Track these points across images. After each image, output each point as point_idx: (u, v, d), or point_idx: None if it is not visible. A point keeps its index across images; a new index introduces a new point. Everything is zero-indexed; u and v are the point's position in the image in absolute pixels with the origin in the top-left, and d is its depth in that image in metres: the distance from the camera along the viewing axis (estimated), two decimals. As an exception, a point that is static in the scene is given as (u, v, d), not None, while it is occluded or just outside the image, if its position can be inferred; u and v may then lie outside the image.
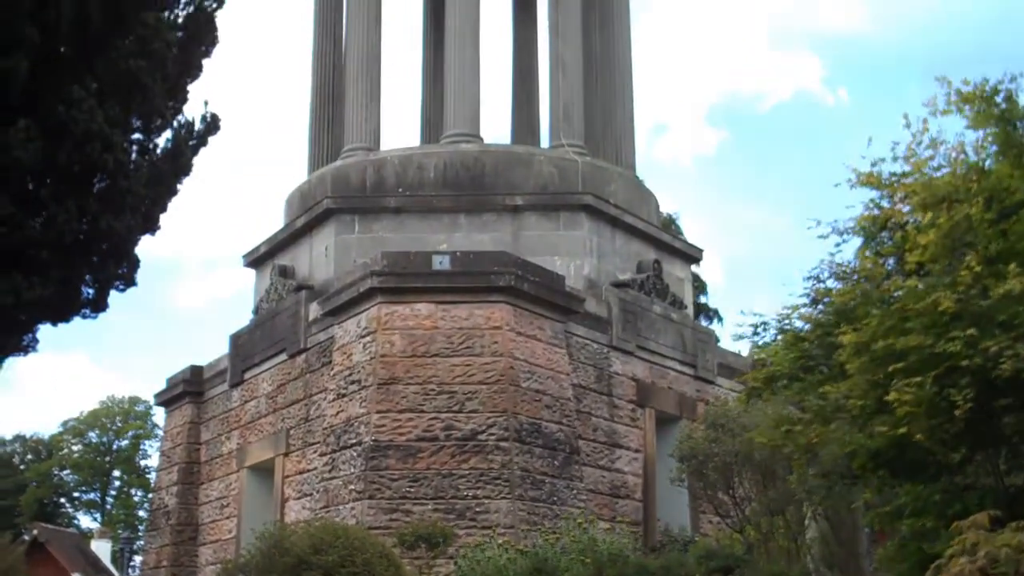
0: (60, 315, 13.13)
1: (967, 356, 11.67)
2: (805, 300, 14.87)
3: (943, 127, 13.58)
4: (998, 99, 12.52)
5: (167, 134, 14.22)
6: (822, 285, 14.61)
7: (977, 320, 11.90)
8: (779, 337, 15.50)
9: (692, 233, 37.47)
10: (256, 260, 25.33)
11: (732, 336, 16.89)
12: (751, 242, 76.31)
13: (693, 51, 74.85)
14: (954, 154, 13.57)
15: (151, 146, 13.81)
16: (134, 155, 13.42)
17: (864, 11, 74.38)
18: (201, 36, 14.57)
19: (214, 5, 14.39)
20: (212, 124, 14.21)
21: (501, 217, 22.58)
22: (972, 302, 11.90)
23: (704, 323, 34.14)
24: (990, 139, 12.99)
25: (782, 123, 78.04)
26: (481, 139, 23.91)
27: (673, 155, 74.88)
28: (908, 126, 13.06)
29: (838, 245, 14.62)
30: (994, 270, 11.92)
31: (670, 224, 33.94)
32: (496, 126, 41.17)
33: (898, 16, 73.84)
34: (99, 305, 13.26)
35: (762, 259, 74.69)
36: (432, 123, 28.21)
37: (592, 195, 22.87)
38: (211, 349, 79.30)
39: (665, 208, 31.34)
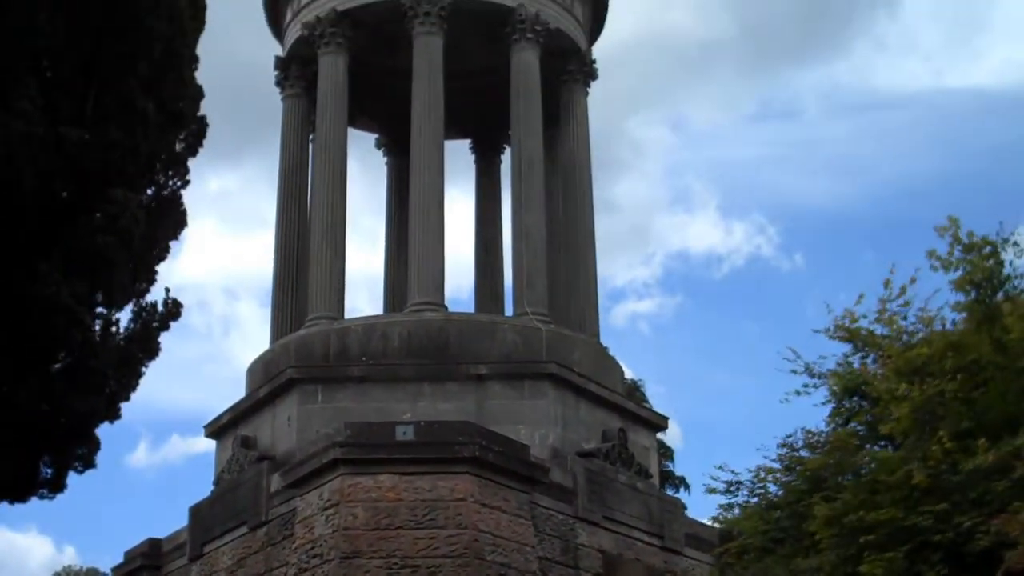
0: (17, 495, 12.89)
1: (939, 531, 11.66)
2: (778, 465, 14.94)
3: (917, 289, 13.88)
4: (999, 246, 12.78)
5: (129, 312, 14.18)
6: (795, 454, 14.68)
7: (948, 495, 11.93)
8: (750, 501, 15.49)
9: (653, 398, 37.42)
10: (217, 430, 25.05)
11: (704, 489, 16.85)
12: (711, 407, 76.17)
13: (646, 217, 75.65)
14: (923, 318, 13.81)
15: (114, 324, 13.75)
16: (98, 333, 13.33)
17: (816, 179, 75.75)
18: (168, 216, 14.64)
19: (179, 183, 14.50)
20: (173, 309, 14.20)
21: (465, 386, 22.51)
22: (943, 477, 11.94)
23: (671, 491, 33.91)
24: (962, 308, 13.23)
25: (738, 289, 78.59)
26: (445, 307, 23.98)
27: (631, 321, 75.12)
28: (886, 287, 13.33)
29: (805, 386, 14.77)
30: (964, 445, 11.99)
31: (635, 391, 33.94)
32: (459, 288, 41.27)
33: (852, 183, 75.21)
34: (57, 485, 13.03)
35: (723, 423, 74.47)
36: (396, 291, 28.29)
37: (556, 364, 22.87)
38: (164, 517, 77.69)
39: (630, 374, 31.39)
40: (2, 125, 11.98)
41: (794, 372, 15.05)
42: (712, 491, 16.34)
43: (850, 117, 73.56)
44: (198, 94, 15.01)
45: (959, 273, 13.43)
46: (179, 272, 57.89)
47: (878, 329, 14.28)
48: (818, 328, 14.64)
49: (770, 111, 76.87)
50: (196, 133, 15.26)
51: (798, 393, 15.14)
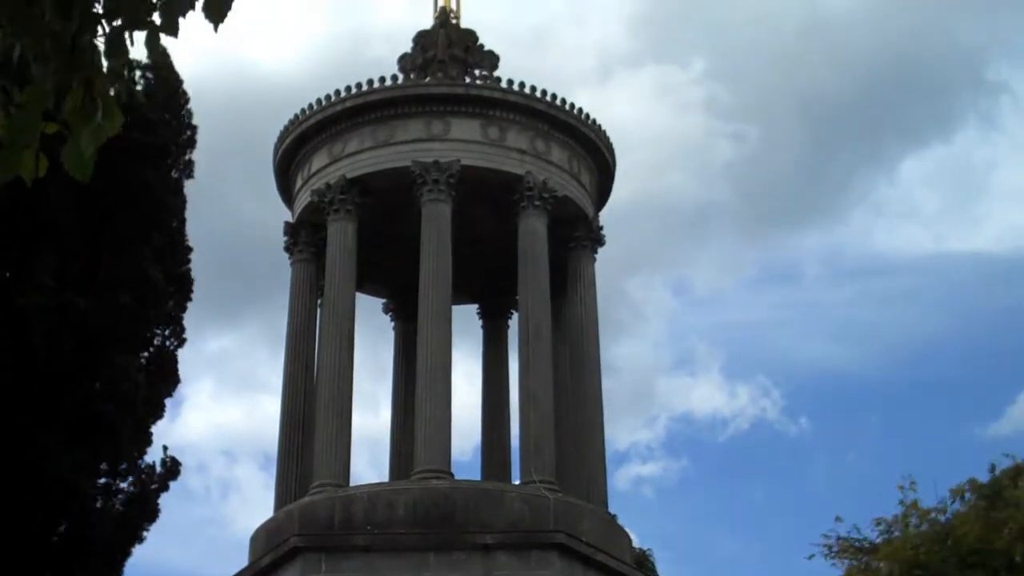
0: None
1: None
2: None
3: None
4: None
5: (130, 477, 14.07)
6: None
7: None
8: None
9: (659, 563, 36.81)
10: (218, 600, 24.62)
11: None
12: (719, 573, 75.00)
13: (647, 379, 75.34)
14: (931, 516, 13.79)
15: (115, 489, 13.63)
16: (99, 500, 13.21)
17: (820, 342, 75.73)
18: (164, 376, 14.65)
19: (175, 343, 14.54)
20: (172, 469, 14.11)
21: (471, 556, 22.18)
22: None
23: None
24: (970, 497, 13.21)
25: (743, 452, 77.87)
26: (452, 475, 23.74)
27: (635, 485, 74.32)
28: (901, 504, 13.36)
29: None
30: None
31: (644, 561, 33.38)
32: (463, 451, 40.92)
33: (856, 347, 75.21)
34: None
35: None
36: (402, 456, 28.00)
37: (564, 533, 22.53)
38: None
39: (637, 542, 30.92)
40: (17, 298, 12.05)
41: None
42: None
43: (852, 281, 73.91)
44: (187, 252, 15.22)
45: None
46: (177, 433, 57.53)
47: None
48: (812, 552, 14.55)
49: (771, 274, 77.36)
50: (184, 291, 15.37)
51: None
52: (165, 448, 14.87)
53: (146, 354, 14.70)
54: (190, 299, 15.28)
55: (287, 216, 28.12)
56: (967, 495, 13.92)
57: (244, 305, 72.88)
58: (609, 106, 61.52)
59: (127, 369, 13.56)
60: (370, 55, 53.06)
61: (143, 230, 13.20)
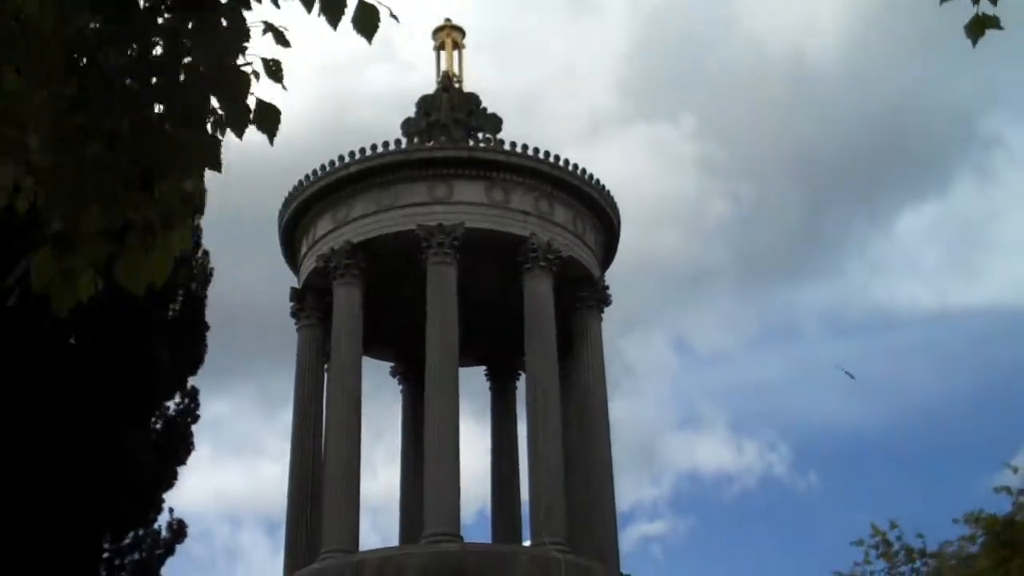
0: None
1: None
2: None
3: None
4: None
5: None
6: None
7: None
8: None
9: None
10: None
11: None
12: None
13: (651, 437, 74.62)
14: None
15: (118, 563, 13.58)
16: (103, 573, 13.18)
17: (826, 398, 74.99)
18: (177, 447, 14.63)
19: (188, 420, 14.56)
20: (179, 531, 14.04)
21: (483, 619, 22.02)
22: None
23: None
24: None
25: (751, 509, 76.93)
26: (461, 538, 23.61)
27: (642, 544, 73.32)
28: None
29: None
30: None
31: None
32: (469, 513, 40.50)
33: (862, 402, 74.56)
34: None
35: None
36: (412, 519, 27.85)
37: (576, 595, 22.39)
38: None
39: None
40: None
41: None
42: None
43: (854, 337, 73.27)
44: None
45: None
46: (179, 499, 57.16)
47: None
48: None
49: (772, 332, 76.58)
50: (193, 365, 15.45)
51: None
52: (171, 511, 14.78)
53: (158, 426, 14.70)
54: (196, 371, 15.34)
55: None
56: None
57: (236, 368, 72.60)
58: (601, 164, 61.50)
59: (133, 447, 13.55)
60: (354, 119, 53.12)
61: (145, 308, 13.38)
